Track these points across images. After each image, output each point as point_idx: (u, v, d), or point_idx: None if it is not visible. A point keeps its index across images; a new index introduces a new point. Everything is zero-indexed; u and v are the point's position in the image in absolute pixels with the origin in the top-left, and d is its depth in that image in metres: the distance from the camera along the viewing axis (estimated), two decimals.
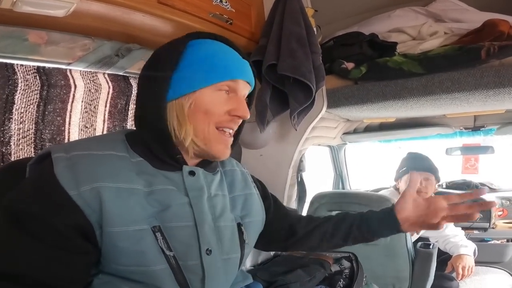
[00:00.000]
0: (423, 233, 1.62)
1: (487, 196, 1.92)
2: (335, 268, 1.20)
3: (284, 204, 1.43)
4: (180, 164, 0.59)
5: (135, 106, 0.62)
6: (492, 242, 1.81)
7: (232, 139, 0.62)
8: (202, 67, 0.56)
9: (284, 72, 1.07)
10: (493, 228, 1.85)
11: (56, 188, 0.47)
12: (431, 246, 1.31)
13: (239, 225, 0.64)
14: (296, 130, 1.18)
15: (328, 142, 1.93)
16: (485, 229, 1.85)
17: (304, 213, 1.57)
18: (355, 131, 1.93)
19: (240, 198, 0.67)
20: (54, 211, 0.47)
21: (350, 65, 1.23)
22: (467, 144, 1.98)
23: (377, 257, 1.31)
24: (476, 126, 1.75)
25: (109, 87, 1.10)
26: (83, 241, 0.49)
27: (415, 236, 1.56)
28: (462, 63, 0.98)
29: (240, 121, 0.62)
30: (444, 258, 1.60)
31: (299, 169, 1.49)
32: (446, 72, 1.01)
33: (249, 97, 0.66)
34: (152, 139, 0.56)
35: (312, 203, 1.49)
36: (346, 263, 1.23)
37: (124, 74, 1.13)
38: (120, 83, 1.13)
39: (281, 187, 1.38)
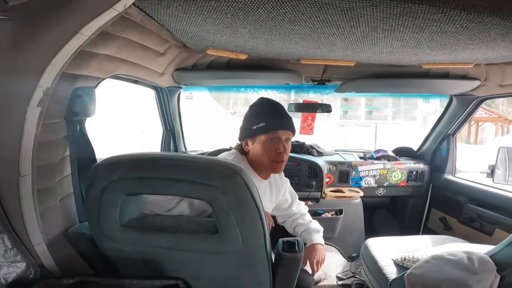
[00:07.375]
0: (271, 212, 1.26)
1: (316, 159, 1.81)
2: None
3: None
4: None
5: None
6: (324, 215, 1.72)
7: None
8: None
9: None
10: (323, 198, 1.78)
11: None
12: (296, 245, 0.84)
13: None
14: None
15: (152, 79, 1.25)
16: (317, 200, 1.76)
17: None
18: (194, 68, 1.35)
19: None
20: None
21: None
22: (307, 100, 1.85)
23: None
24: (323, 78, 1.59)
25: None
26: None
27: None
28: None
29: None
30: None
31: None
32: None
33: None
34: None
35: (93, 179, 0.71)
36: None
37: None
38: None
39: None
